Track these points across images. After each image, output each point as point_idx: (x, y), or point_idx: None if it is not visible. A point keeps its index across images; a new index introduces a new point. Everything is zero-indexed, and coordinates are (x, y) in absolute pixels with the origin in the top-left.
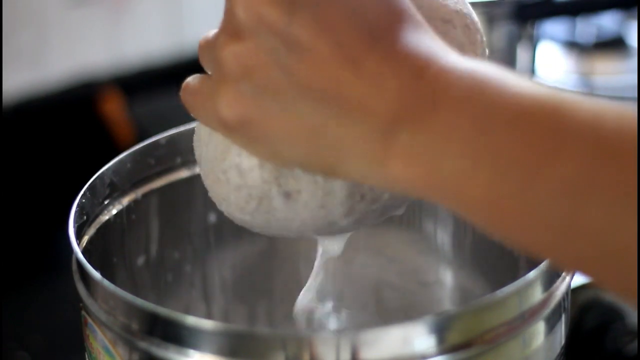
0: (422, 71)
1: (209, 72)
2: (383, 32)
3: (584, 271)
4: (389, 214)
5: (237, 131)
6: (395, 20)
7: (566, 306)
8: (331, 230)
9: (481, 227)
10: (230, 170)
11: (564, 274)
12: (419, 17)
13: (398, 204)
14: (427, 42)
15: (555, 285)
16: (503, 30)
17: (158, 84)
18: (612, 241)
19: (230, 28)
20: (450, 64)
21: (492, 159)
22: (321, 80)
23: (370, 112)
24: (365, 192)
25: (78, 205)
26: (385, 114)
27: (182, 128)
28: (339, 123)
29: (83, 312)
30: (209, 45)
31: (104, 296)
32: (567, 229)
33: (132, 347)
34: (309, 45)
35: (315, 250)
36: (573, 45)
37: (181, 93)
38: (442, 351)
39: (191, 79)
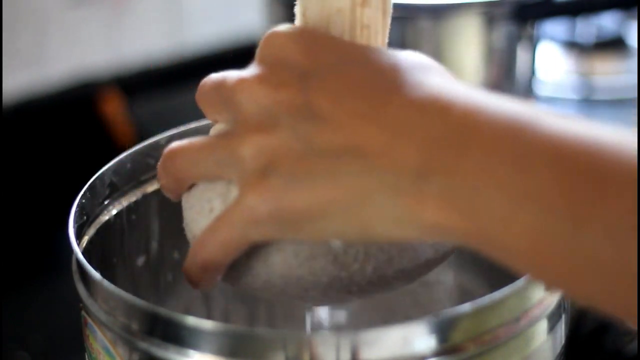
0: (446, 112)
1: (219, 170)
2: (400, 82)
3: (636, 318)
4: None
5: (270, 223)
6: (412, 68)
7: (566, 306)
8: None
9: (523, 273)
10: (215, 200)
11: None
12: (436, 64)
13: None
14: (448, 84)
15: None
16: (503, 30)
17: (158, 84)
18: None
19: (243, 123)
20: (477, 103)
21: (533, 201)
22: (344, 140)
23: (397, 161)
24: (339, 254)
25: (78, 205)
26: (413, 161)
27: (182, 128)
28: (368, 179)
29: (83, 312)
30: (218, 148)
31: (104, 296)
32: (616, 276)
33: (132, 347)
34: (328, 112)
35: None
36: (573, 45)
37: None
38: (442, 351)
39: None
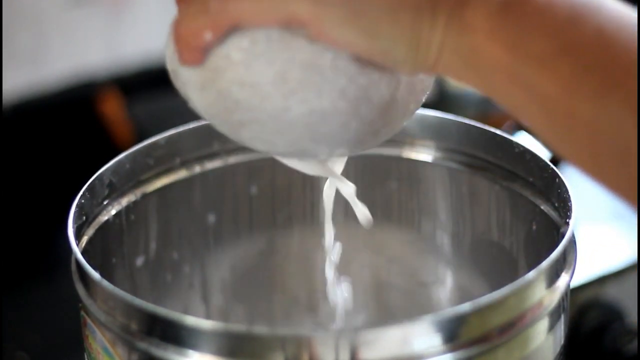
0: None
1: None
2: None
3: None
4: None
5: (332, 3)
6: None
7: (565, 306)
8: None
9: (534, 124)
10: None
11: (563, 273)
12: None
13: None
14: None
15: (554, 285)
16: None
17: (157, 84)
18: None
19: None
20: None
21: (575, 53)
22: None
23: None
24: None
25: (77, 205)
26: None
27: (181, 128)
28: None
29: (82, 313)
30: None
31: (103, 296)
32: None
33: (131, 347)
34: None
35: (315, 250)
36: None
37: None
38: (441, 351)
39: None
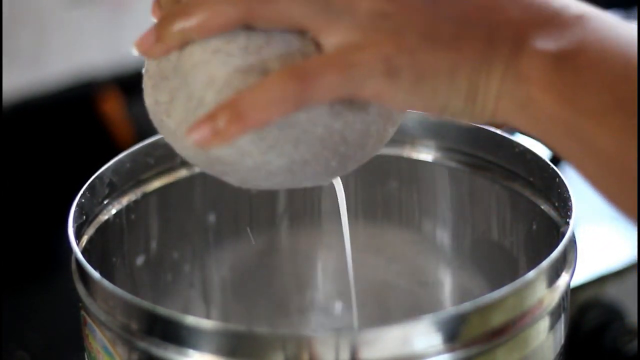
0: (564, 10)
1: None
2: None
3: None
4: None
5: (402, 78)
6: None
7: (566, 306)
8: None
9: (587, 175)
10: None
11: (563, 273)
12: None
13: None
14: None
15: (554, 285)
16: None
17: None
18: None
19: None
20: (594, 10)
21: (630, 111)
22: (478, 14)
23: (520, 36)
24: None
25: (77, 205)
26: (542, 45)
27: None
28: (490, 47)
29: (82, 312)
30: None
31: (103, 296)
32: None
33: (131, 346)
34: None
35: (315, 250)
36: None
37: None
38: (441, 351)
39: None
